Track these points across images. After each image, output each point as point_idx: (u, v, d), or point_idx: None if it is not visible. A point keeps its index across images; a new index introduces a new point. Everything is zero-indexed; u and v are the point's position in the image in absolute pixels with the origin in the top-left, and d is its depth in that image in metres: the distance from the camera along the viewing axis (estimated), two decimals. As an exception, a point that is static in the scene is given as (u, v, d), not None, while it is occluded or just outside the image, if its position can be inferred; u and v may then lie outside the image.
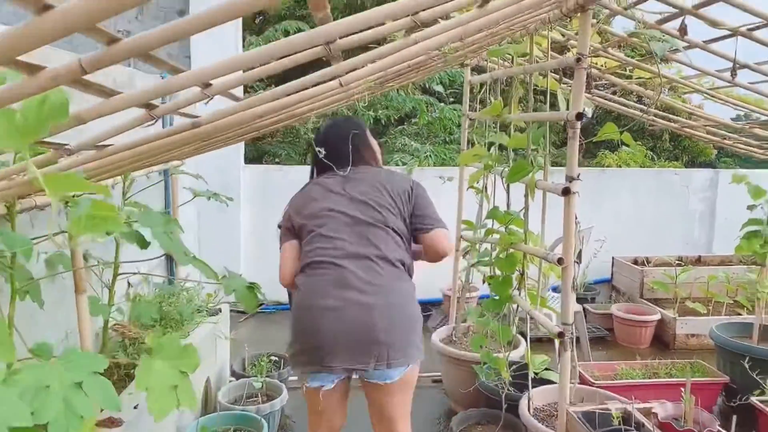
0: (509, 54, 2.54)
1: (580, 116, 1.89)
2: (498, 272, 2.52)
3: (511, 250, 2.45)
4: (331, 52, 1.10)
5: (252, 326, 4.78)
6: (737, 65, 1.68)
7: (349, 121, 2.12)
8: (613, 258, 5.21)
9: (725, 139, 3.04)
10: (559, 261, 2.02)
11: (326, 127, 2.12)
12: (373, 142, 2.13)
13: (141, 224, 1.50)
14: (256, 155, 6.62)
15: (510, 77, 2.63)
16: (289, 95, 1.51)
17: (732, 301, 4.38)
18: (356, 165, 1.98)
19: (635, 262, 5.14)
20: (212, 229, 4.97)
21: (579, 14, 1.88)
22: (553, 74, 2.85)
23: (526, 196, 2.44)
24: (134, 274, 2.42)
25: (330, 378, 1.78)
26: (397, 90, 6.23)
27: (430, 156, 5.74)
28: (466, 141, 3.45)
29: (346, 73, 1.52)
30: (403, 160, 5.57)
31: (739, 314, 4.36)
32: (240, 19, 4.86)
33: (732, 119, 3.20)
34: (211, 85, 1.08)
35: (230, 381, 3.16)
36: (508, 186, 2.51)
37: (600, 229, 4.74)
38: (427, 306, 4.94)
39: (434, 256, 1.93)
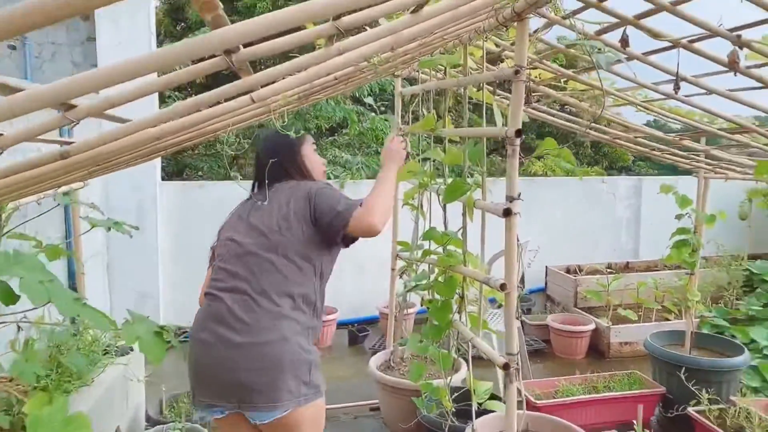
0: (442, 65, 2.40)
1: (520, 133, 1.75)
2: (437, 296, 2.36)
3: (450, 273, 2.30)
4: (233, 64, 0.89)
5: (174, 359, 4.38)
6: (677, 78, 1.61)
7: (278, 136, 1.96)
8: (546, 267, 5.23)
9: (654, 150, 3.04)
10: (502, 287, 1.88)
11: (258, 142, 2.07)
12: (310, 158, 2.05)
13: (2, 272, 1.21)
14: (176, 169, 6.20)
15: (443, 89, 2.49)
16: (193, 113, 1.27)
17: (660, 307, 4.47)
18: (279, 182, 1.92)
19: (568, 270, 5.18)
20: (126, 254, 4.55)
21: (516, 23, 1.75)
22: (487, 86, 2.74)
23: (464, 214, 2.30)
24: (20, 321, 2.06)
25: (214, 411, 1.71)
26: (327, 99, 6.02)
27: (363, 168, 5.56)
28: (398, 155, 3.29)
29: (261, 86, 1.31)
30: (334, 173, 5.36)
31: (668, 319, 4.46)
32: (153, 24, 4.50)
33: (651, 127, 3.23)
34: (74, 106, 0.83)
35: (145, 428, 2.83)
36: (444, 204, 2.36)
37: (533, 238, 4.73)
38: (363, 326, 4.74)
39: (368, 236, 1.76)
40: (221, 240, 1.88)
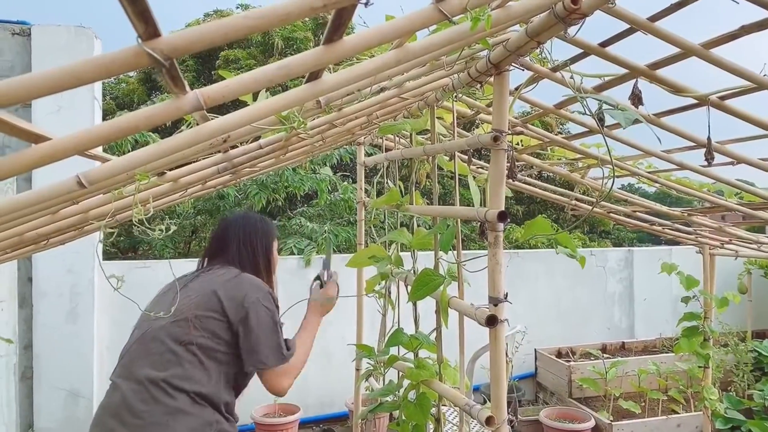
0: (406, 131, 2.01)
1: (504, 216, 1.33)
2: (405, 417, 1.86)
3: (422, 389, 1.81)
4: None
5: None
6: (709, 146, 1.21)
7: (248, 218, 1.93)
8: (536, 351, 4.73)
9: (654, 225, 2.65)
10: (488, 421, 1.40)
11: (233, 216, 1.97)
12: (275, 255, 1.94)
13: None
14: (128, 245, 5.68)
15: (409, 159, 2.09)
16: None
17: (666, 397, 3.97)
18: (230, 265, 1.79)
19: (559, 354, 4.69)
20: (55, 346, 3.95)
21: (493, 78, 1.37)
22: (461, 156, 2.36)
23: (437, 312, 1.84)
24: None
25: None
26: (293, 169, 5.65)
27: (331, 237, 5.11)
28: (363, 233, 2.86)
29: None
30: (298, 246, 4.89)
31: (676, 411, 3.95)
32: (98, 88, 4.12)
33: (655, 195, 2.86)
34: None
35: None
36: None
37: (518, 317, 4.26)
38: (331, 426, 4.12)
39: (272, 392, 1.68)
40: (139, 318, 1.76)
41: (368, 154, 3.67)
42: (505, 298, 1.43)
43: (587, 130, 1.64)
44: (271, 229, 1.95)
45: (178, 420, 1.50)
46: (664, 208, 2.13)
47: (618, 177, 2.01)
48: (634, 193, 3.09)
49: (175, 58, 0.49)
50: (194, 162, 1.38)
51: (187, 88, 0.63)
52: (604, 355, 4.31)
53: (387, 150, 2.43)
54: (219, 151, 1.36)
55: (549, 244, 7.75)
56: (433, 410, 1.84)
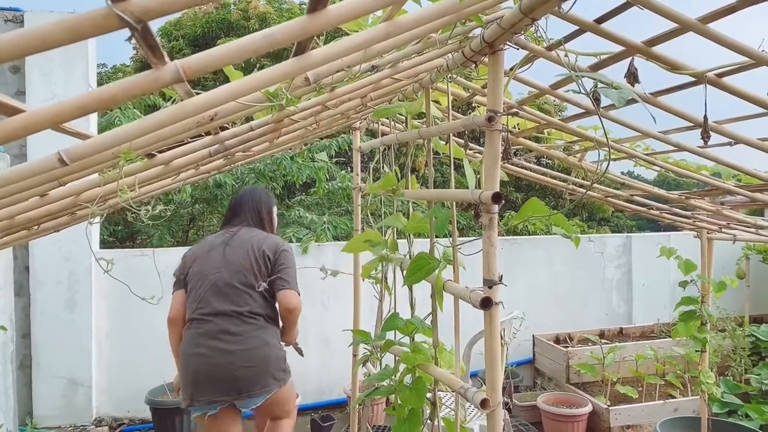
0: (401, 114, 1.99)
1: (498, 198, 1.32)
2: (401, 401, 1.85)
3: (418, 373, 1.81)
4: None
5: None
6: (706, 125, 1.19)
7: (255, 190, 2.64)
8: (533, 337, 4.74)
9: (652, 209, 2.64)
10: (483, 404, 1.40)
11: (244, 189, 2.65)
12: (274, 217, 2.61)
13: None
14: (126, 235, 5.66)
15: (404, 143, 2.08)
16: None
17: (663, 382, 3.98)
18: (249, 226, 2.47)
19: (557, 340, 4.69)
20: (54, 334, 3.96)
21: (488, 58, 1.34)
22: (457, 140, 2.34)
23: (432, 296, 1.83)
24: None
25: (211, 406, 2.20)
26: (291, 157, 5.62)
27: (328, 228, 5.09)
28: (359, 219, 2.84)
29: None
30: (297, 235, 4.88)
31: (673, 396, 3.96)
32: (93, 77, 4.08)
33: (654, 180, 2.85)
34: None
35: None
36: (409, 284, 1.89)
37: (516, 303, 4.26)
38: (329, 412, 4.14)
39: (285, 312, 2.31)
40: (196, 271, 2.37)
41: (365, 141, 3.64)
42: (500, 280, 1.42)
43: (583, 111, 1.63)
44: (271, 198, 2.62)
45: (263, 331, 2.26)
46: (662, 192, 2.11)
47: (615, 160, 1.99)
48: (633, 179, 3.07)
49: (148, 20, 0.47)
50: (185, 144, 1.36)
51: (167, 58, 0.61)
52: (602, 341, 4.32)
53: (383, 134, 2.41)
54: (209, 133, 1.34)
55: (547, 231, 7.75)
56: (429, 394, 1.84)
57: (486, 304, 1.38)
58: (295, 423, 2.61)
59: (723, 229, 2.80)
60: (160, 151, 1.35)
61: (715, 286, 2.83)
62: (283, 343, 2.41)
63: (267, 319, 2.31)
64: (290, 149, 5.76)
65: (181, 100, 0.78)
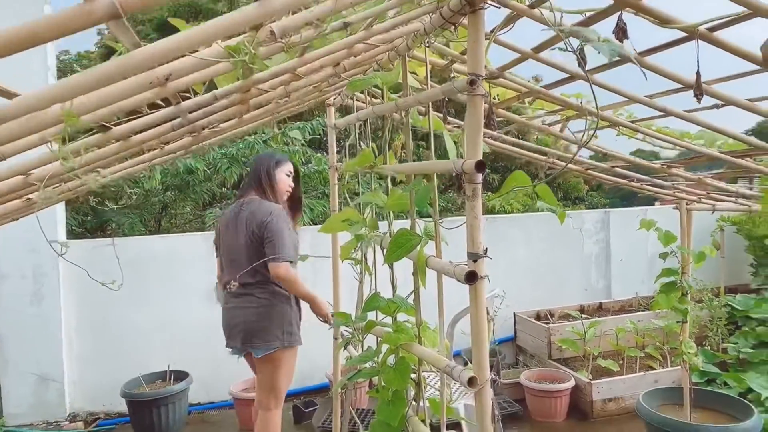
0: (377, 87, 1.90)
1: (482, 166, 1.25)
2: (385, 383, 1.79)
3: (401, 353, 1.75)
4: None
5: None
6: (699, 81, 1.14)
7: (259, 156, 2.98)
8: (515, 314, 4.73)
9: (632, 181, 2.61)
10: (470, 382, 1.34)
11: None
12: (280, 180, 2.80)
13: None
14: (95, 225, 5.47)
15: (382, 117, 1.99)
16: None
17: (643, 354, 4.01)
18: (249, 196, 2.74)
19: (538, 317, 4.70)
20: (21, 329, 3.81)
21: (467, 18, 1.27)
22: (436, 114, 2.26)
23: (415, 274, 1.76)
24: None
25: (235, 351, 2.70)
26: (264, 142, 5.48)
27: (305, 212, 4.99)
28: (336, 199, 2.76)
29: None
30: (274, 221, 4.76)
31: (653, 368, 4.00)
32: (52, 61, 3.88)
33: (632, 153, 2.81)
34: None
35: None
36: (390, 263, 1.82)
37: (496, 282, 4.23)
38: (312, 398, 4.08)
39: (278, 281, 2.61)
40: (221, 242, 2.80)
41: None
42: (485, 253, 1.36)
43: (567, 76, 1.56)
44: (271, 159, 2.79)
45: (259, 294, 2.61)
46: (644, 162, 2.07)
47: (600, 129, 1.94)
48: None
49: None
50: (143, 116, 1.26)
51: (101, -10, 0.52)
52: (583, 316, 4.33)
53: (358, 110, 2.32)
54: (169, 103, 1.24)
55: (525, 209, 7.74)
56: (413, 375, 1.78)
57: (471, 278, 1.32)
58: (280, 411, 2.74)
59: (702, 199, 2.78)
60: (117, 125, 1.24)
61: (695, 257, 2.83)
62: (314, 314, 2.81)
63: (273, 285, 2.62)
64: (263, 131, 5.62)
65: (128, 52, 0.69)
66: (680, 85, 1.34)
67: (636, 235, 5.33)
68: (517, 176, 1.54)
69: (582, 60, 1.24)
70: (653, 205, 7.98)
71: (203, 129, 1.81)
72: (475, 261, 1.34)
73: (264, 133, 5.64)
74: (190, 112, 1.40)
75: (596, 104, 1.12)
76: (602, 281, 5.22)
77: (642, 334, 4.08)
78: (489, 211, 7.32)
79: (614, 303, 4.97)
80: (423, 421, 1.80)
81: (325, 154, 6.34)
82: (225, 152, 5.46)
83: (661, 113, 1.55)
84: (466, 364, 3.49)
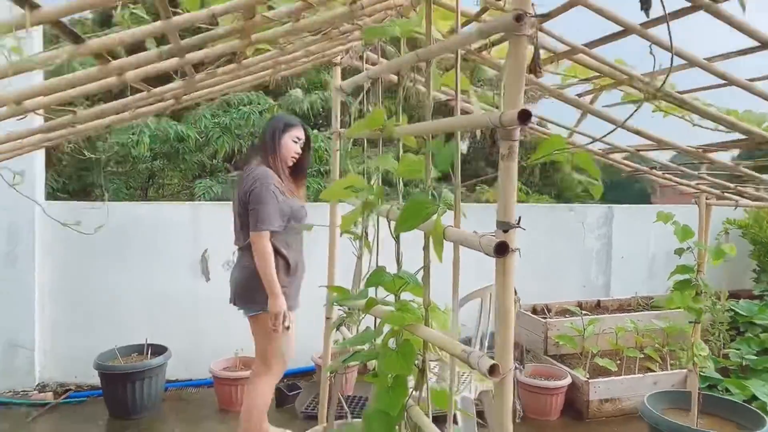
0: (396, 36, 1.69)
1: (526, 116, 1.05)
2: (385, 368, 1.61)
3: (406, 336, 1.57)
4: None
5: (49, 427, 3.39)
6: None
7: (274, 117, 2.97)
8: (511, 307, 4.56)
9: (653, 168, 2.44)
10: (492, 370, 1.16)
11: None
12: (285, 145, 2.71)
13: None
14: (79, 187, 5.23)
15: (397, 74, 1.79)
16: None
17: (642, 355, 3.87)
18: (248, 163, 2.74)
19: (534, 311, 4.54)
20: (-9, 290, 3.58)
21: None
22: (463, 73, 2.06)
23: (425, 249, 1.58)
24: None
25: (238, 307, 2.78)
26: (260, 113, 5.25)
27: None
28: (338, 167, 2.56)
29: None
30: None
31: (652, 369, 3.86)
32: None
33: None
34: None
35: None
36: (397, 234, 1.63)
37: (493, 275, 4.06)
38: (295, 381, 3.90)
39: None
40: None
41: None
42: (518, 223, 1.18)
43: (622, 29, 1.35)
44: (280, 122, 2.75)
45: (246, 262, 2.64)
46: (680, 145, 1.89)
47: (645, 101, 1.74)
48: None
49: None
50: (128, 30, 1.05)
51: None
52: (582, 312, 4.18)
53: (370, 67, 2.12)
54: (158, 17, 1.03)
55: (524, 199, 7.58)
56: (417, 361, 1.60)
57: (501, 250, 1.14)
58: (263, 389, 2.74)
59: (725, 193, 2.62)
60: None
61: (713, 254, 2.66)
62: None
63: (250, 251, 2.60)
64: (258, 101, 5.39)
65: None
66: (755, 43, 1.15)
67: (639, 233, 5.20)
68: (554, 140, 1.34)
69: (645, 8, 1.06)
70: (650, 203, 7.82)
71: (196, 71, 1.60)
72: (506, 231, 1.16)
73: (259, 104, 5.41)
74: (183, 38, 1.19)
75: (671, 43, 0.93)
76: (602, 278, 5.07)
77: (642, 335, 3.94)
78: (487, 200, 7.14)
79: (612, 301, 4.83)
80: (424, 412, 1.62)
81: (320, 131, 6.12)
82: (218, 121, 5.22)
83: (722, 81, 1.36)
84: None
